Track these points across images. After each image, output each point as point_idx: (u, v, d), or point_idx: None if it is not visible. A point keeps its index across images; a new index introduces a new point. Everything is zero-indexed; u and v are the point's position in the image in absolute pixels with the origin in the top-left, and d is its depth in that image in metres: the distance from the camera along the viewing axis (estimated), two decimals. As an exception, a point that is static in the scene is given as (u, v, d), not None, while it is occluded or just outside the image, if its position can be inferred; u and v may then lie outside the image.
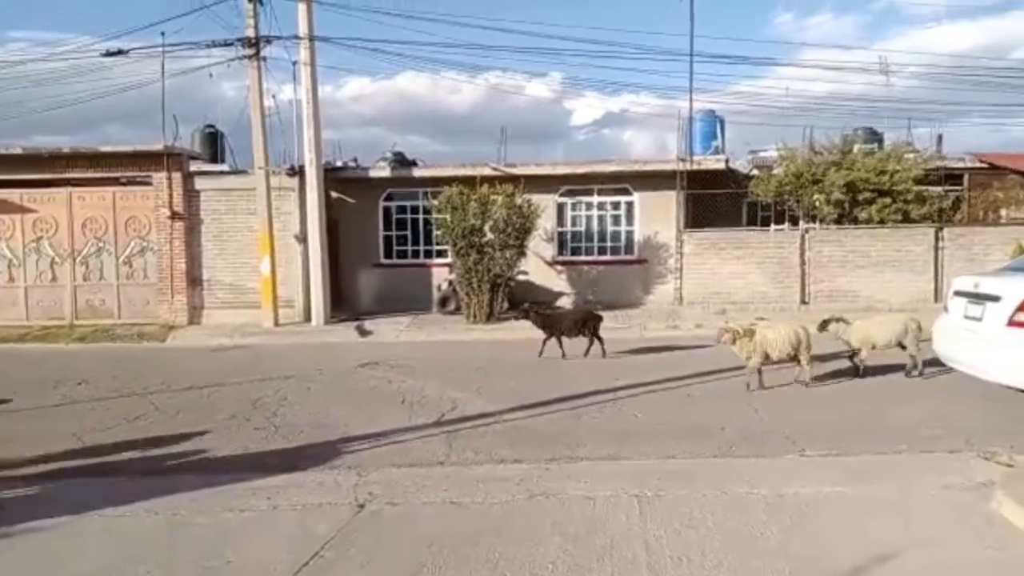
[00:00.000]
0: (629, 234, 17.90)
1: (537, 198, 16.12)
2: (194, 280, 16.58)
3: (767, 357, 8.19)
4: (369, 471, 5.80)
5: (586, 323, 11.20)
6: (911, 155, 17.51)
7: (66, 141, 17.50)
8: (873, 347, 8.70)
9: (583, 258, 17.92)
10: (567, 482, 5.39)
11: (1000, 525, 4.41)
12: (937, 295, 15.35)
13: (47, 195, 16.63)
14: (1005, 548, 4.12)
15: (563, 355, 10.91)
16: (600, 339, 11.09)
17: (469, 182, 15.64)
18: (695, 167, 16.96)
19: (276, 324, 15.43)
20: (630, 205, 17.85)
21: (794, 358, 8.36)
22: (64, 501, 5.26)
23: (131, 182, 16.63)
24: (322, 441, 6.84)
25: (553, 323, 11.30)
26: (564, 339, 11.05)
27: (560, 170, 17.68)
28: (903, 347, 8.76)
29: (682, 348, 11.64)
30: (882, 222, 16.54)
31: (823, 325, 8.77)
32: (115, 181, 16.59)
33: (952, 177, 18.08)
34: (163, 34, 15.62)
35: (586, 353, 10.95)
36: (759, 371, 8.34)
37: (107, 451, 6.66)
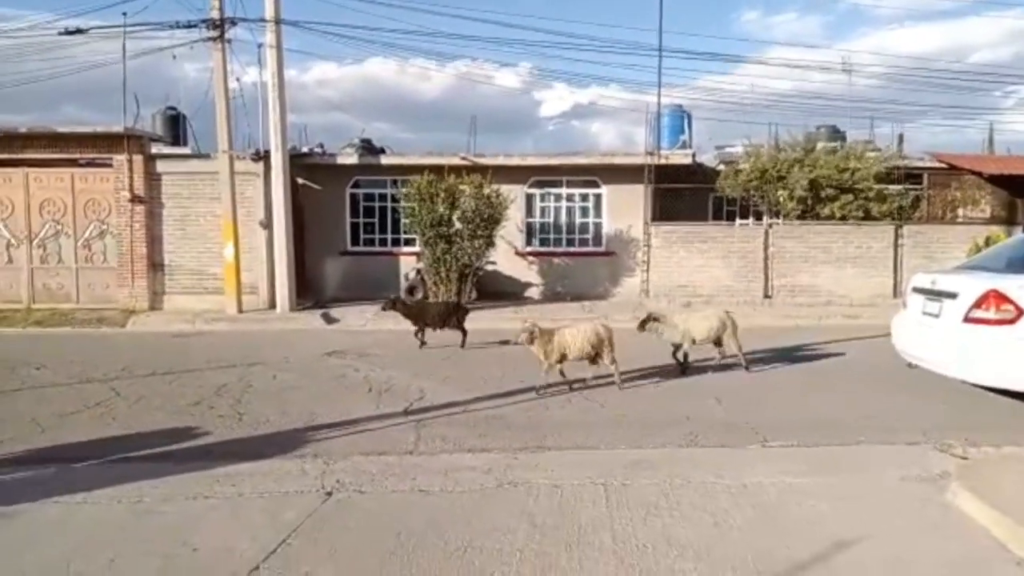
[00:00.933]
0: (597, 226, 18.00)
1: (506, 189, 16.13)
2: (155, 265, 16.26)
3: (564, 357, 8.00)
4: (336, 459, 5.77)
5: (452, 315, 11.27)
6: (872, 154, 17.88)
7: (22, 121, 16.97)
8: (693, 342, 8.76)
9: (552, 249, 17.99)
10: (535, 471, 5.42)
11: (956, 516, 4.55)
12: (896, 290, 15.72)
13: (2, 175, 16.13)
14: (960, 538, 4.26)
15: (421, 344, 11.06)
16: (464, 331, 11.16)
17: (438, 171, 15.59)
18: (663, 161, 17.12)
19: (240, 311, 15.22)
20: (599, 197, 17.95)
21: (594, 358, 8.10)
22: (23, 488, 5.15)
23: (91, 164, 16.21)
24: (288, 429, 6.78)
25: (419, 314, 11.41)
26: (429, 330, 11.18)
27: (530, 161, 17.69)
28: (719, 344, 8.93)
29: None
30: (844, 219, 16.88)
31: (641, 325, 8.77)
32: (74, 163, 16.15)
33: (912, 176, 18.51)
34: (125, 14, 15.33)
35: (462, 344, 11.04)
36: (560, 371, 8.13)
37: (67, 437, 6.52)
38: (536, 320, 8.35)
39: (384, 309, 11.75)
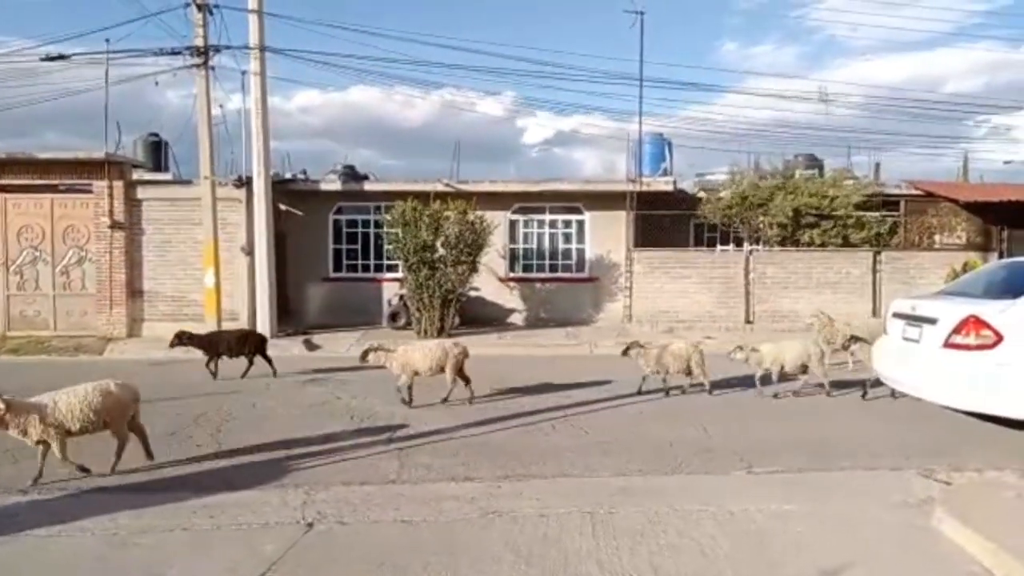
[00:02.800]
0: (580, 252, 18.08)
1: (490, 215, 16.17)
2: (134, 291, 16.09)
3: (416, 373, 8.68)
4: (318, 489, 5.68)
5: (246, 342, 11.00)
6: (850, 181, 18.15)
7: (1, 146, 16.83)
8: (668, 371, 9.17)
9: (535, 275, 18.02)
10: (520, 500, 5.37)
11: (940, 541, 4.55)
12: (875, 315, 15.83)
13: (-21, 201, 15.97)
14: (946, 564, 4.25)
15: (214, 376, 10.63)
16: (268, 359, 11.00)
17: (422, 197, 15.60)
18: (644, 188, 17.27)
19: (220, 338, 15.04)
20: (581, 224, 18.05)
21: (441, 372, 8.74)
22: (-7, 521, 5.01)
23: (70, 190, 16.08)
24: (268, 459, 6.67)
25: (211, 343, 10.92)
26: (224, 358, 10.77)
27: (513, 187, 17.78)
28: (689, 373, 9.21)
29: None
30: (823, 245, 17.07)
31: (625, 351, 9.34)
32: (53, 188, 16.02)
33: (889, 203, 18.77)
34: (107, 40, 15.29)
35: (243, 375, 10.69)
36: (409, 388, 8.71)
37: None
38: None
39: (172, 346, 10.86)
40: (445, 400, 8.74)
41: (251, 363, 10.88)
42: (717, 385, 9.35)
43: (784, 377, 9.22)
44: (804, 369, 9.15)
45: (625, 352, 9.36)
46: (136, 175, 16.85)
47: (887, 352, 8.09)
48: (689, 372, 9.22)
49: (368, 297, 17.45)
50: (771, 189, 17.49)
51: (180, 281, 16.12)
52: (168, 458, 6.70)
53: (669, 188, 17.78)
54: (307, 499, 5.45)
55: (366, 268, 18.13)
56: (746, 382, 9.42)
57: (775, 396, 9.03)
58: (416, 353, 8.80)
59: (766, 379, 9.19)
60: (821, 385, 9.12)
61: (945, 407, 7.26)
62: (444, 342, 9.19)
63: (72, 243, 16.08)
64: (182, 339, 10.84)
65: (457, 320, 15.69)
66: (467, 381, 8.89)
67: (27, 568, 4.33)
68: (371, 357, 8.84)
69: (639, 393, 9.15)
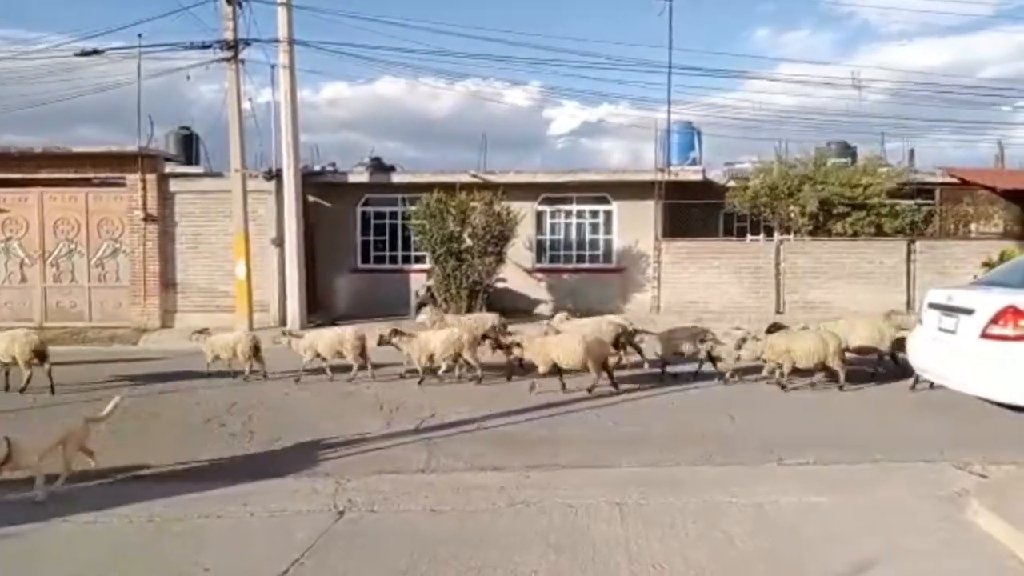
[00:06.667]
0: (608, 243, 17.98)
1: (516, 206, 16.14)
2: (167, 283, 16.35)
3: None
4: (348, 478, 5.73)
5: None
6: (884, 169, 17.82)
7: (38, 141, 17.19)
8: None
9: (562, 266, 17.96)
10: (548, 490, 5.37)
11: (976, 534, 4.47)
12: (909, 306, 15.58)
13: (17, 195, 16.33)
14: (982, 558, 4.18)
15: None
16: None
17: (448, 189, 15.63)
18: (673, 178, 17.12)
19: (251, 329, 15.23)
20: (608, 214, 17.95)
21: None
22: (32, 507, 5.12)
23: (104, 183, 16.38)
24: (299, 447, 6.76)
25: None
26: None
27: (540, 178, 17.74)
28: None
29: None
30: (855, 234, 16.80)
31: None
32: (88, 182, 16.33)
33: (924, 191, 18.41)
34: (140, 35, 15.50)
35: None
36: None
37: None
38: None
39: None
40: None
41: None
42: (742, 375, 9.26)
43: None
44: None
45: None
46: (168, 168, 17.08)
47: (922, 343, 7.96)
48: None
49: (396, 288, 17.54)
50: (801, 178, 17.24)
51: (212, 273, 16.36)
52: (202, 446, 6.82)
53: (698, 177, 17.61)
54: (338, 488, 5.50)
55: (393, 260, 18.22)
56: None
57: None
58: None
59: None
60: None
61: (982, 399, 7.13)
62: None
63: (106, 235, 16.39)
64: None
65: (484, 311, 15.69)
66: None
67: (64, 554, 4.43)
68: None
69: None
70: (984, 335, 6.75)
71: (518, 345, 9.19)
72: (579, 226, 18.08)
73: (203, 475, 5.99)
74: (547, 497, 5.20)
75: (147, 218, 16.09)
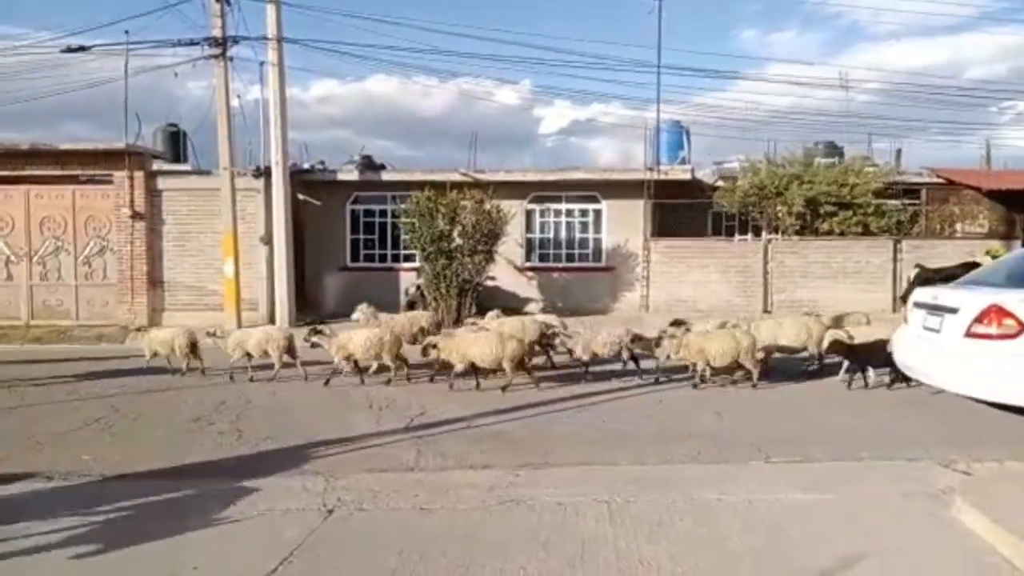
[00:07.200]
0: (597, 241, 18.03)
1: (506, 204, 16.15)
2: (155, 281, 16.28)
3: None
4: (337, 476, 5.73)
5: None
6: (871, 169, 17.95)
7: (24, 138, 17.04)
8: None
9: (552, 265, 18.00)
10: (537, 488, 5.39)
11: (961, 532, 4.52)
12: (895, 305, 15.71)
13: (3, 192, 16.23)
14: (966, 555, 4.23)
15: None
16: None
17: (438, 187, 15.63)
18: (662, 177, 17.18)
19: (239, 327, 15.16)
20: (598, 213, 17.99)
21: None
22: (21, 506, 5.11)
23: (91, 181, 16.28)
24: (288, 446, 6.74)
25: None
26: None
27: (529, 177, 17.76)
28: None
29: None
30: (842, 234, 16.92)
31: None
32: (75, 179, 16.23)
33: (910, 191, 18.58)
34: (127, 32, 15.45)
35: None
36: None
37: (65, 455, 6.48)
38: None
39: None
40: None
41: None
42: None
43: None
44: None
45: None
46: (156, 166, 16.99)
47: (907, 341, 8.02)
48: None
49: (385, 287, 17.50)
50: (789, 177, 17.34)
51: (200, 271, 16.30)
52: (190, 445, 6.80)
53: (687, 177, 17.68)
54: (327, 486, 5.50)
55: (383, 258, 18.20)
56: (769, 372, 9.38)
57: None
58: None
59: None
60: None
61: (966, 397, 7.19)
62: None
63: (93, 233, 16.29)
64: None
65: (474, 309, 15.69)
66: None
67: (53, 553, 4.40)
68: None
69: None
70: (968, 334, 6.80)
71: (434, 347, 9.16)
72: (569, 225, 18.12)
73: (191, 474, 5.97)
74: (536, 495, 5.22)
75: (134, 216, 16.00)
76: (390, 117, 51.49)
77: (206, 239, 16.20)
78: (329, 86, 58.65)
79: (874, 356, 8.69)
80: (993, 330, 6.60)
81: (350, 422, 7.56)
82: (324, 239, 17.95)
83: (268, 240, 15.82)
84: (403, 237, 16.69)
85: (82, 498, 5.28)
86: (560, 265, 18.01)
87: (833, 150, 20.49)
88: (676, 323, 9.50)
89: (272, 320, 15.59)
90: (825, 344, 9.18)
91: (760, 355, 9.00)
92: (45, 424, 7.65)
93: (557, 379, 9.59)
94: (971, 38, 53.23)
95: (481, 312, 15.89)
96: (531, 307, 17.49)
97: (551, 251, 18.13)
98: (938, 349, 7.26)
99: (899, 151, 21.37)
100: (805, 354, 9.81)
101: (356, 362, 9.49)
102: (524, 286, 17.74)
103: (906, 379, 8.38)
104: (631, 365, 9.58)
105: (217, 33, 14.97)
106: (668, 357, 9.17)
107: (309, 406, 8.46)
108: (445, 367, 9.22)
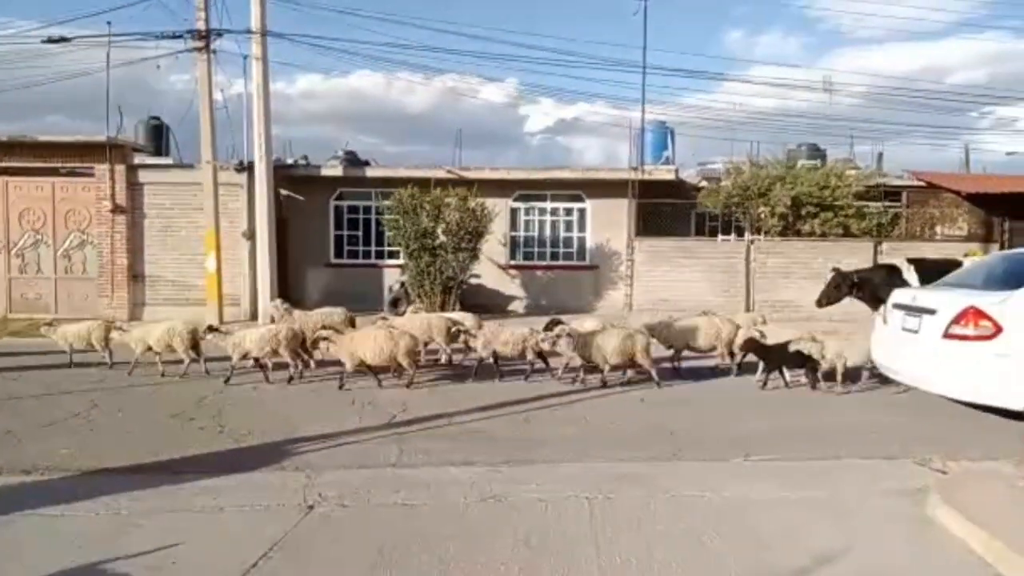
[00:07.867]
0: (581, 240, 18.08)
1: (491, 202, 16.16)
2: (136, 276, 16.14)
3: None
4: (318, 472, 5.72)
5: None
6: (852, 171, 18.13)
7: (3, 129, 16.83)
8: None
9: (536, 263, 18.04)
10: (519, 484, 5.41)
11: (935, 530, 4.59)
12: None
13: (-19, 184, 15.98)
14: (940, 552, 4.29)
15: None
16: None
17: (423, 184, 15.61)
18: (646, 177, 17.26)
19: (221, 322, 15.07)
20: (582, 212, 18.04)
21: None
22: (-2, 501, 5.06)
23: (72, 173, 16.11)
24: (269, 442, 6.71)
25: None
26: None
27: (514, 175, 17.77)
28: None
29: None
30: (824, 235, 17.08)
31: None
32: (55, 172, 16.05)
33: (891, 194, 18.78)
34: (109, 23, 15.26)
35: None
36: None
37: (45, 449, 6.42)
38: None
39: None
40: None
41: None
42: (717, 375, 9.39)
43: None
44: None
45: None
46: (137, 159, 16.86)
47: (885, 341, 8.12)
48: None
49: (369, 283, 17.47)
50: (772, 179, 17.48)
51: (182, 266, 16.18)
52: (171, 440, 6.75)
53: (671, 177, 17.77)
54: (308, 482, 5.49)
55: (367, 254, 18.15)
56: (749, 369, 9.46)
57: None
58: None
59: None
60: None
61: (943, 397, 7.30)
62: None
63: (73, 227, 16.12)
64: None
65: (458, 307, 15.70)
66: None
67: (28, 548, 4.37)
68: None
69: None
70: (946, 335, 6.91)
71: (326, 339, 9.10)
72: (553, 223, 18.16)
73: (171, 469, 5.92)
74: (518, 492, 5.24)
75: (115, 209, 15.85)
76: (375, 114, 51.36)
77: (188, 233, 16.08)
78: (314, 81, 58.39)
79: (788, 357, 8.73)
80: (970, 331, 6.70)
81: (332, 419, 7.52)
82: (308, 235, 17.87)
83: (251, 235, 15.73)
84: (387, 234, 16.65)
85: (60, 493, 5.24)
86: (544, 263, 18.05)
87: (816, 152, 20.69)
88: (552, 323, 9.46)
89: (254, 316, 15.52)
90: (738, 343, 9.32)
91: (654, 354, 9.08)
92: (25, 419, 7.56)
93: (541, 379, 9.61)
94: (951, 44, 53.87)
95: (465, 310, 15.87)
96: (515, 305, 17.55)
97: (535, 249, 18.16)
98: (916, 350, 7.37)
99: (880, 154, 21.63)
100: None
101: (257, 359, 9.42)
102: (508, 284, 17.76)
103: (815, 382, 8.63)
104: (539, 364, 9.49)
105: (201, 26, 14.88)
106: (570, 357, 9.10)
107: (291, 403, 8.42)
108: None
